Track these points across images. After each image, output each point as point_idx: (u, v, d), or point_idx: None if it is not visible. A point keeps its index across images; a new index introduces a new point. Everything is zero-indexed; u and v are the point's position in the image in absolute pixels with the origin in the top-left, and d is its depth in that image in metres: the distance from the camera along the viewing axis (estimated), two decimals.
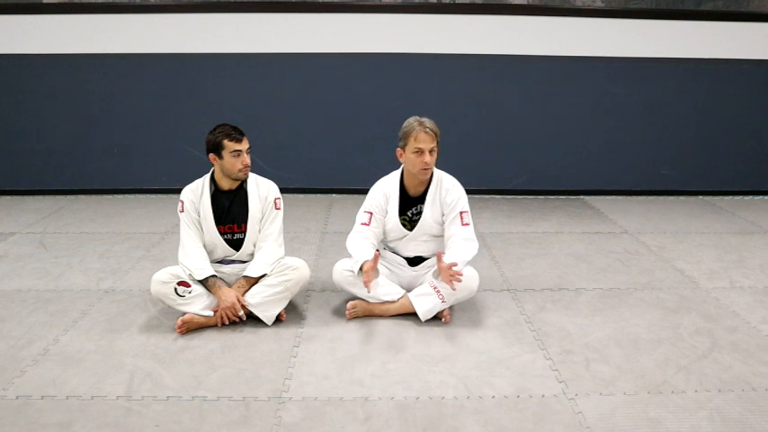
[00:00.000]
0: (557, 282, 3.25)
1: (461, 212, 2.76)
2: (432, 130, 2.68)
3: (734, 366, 2.40)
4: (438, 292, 2.70)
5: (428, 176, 2.77)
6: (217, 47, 4.68)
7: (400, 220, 2.83)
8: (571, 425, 2.04)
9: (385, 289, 2.78)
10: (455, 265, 2.55)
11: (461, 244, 2.71)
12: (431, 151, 2.68)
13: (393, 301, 2.78)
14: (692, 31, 4.78)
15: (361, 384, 2.26)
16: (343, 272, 2.80)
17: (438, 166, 2.89)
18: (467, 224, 2.76)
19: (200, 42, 4.67)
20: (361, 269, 2.65)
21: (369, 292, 2.66)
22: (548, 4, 4.72)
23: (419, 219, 2.82)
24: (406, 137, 2.71)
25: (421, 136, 2.66)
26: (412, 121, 2.72)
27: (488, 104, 4.86)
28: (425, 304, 2.72)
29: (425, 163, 2.68)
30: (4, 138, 4.81)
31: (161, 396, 2.18)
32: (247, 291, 2.68)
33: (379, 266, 2.82)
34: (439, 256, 2.62)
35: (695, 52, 4.80)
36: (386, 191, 2.84)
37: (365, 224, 2.80)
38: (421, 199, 2.83)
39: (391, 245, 2.93)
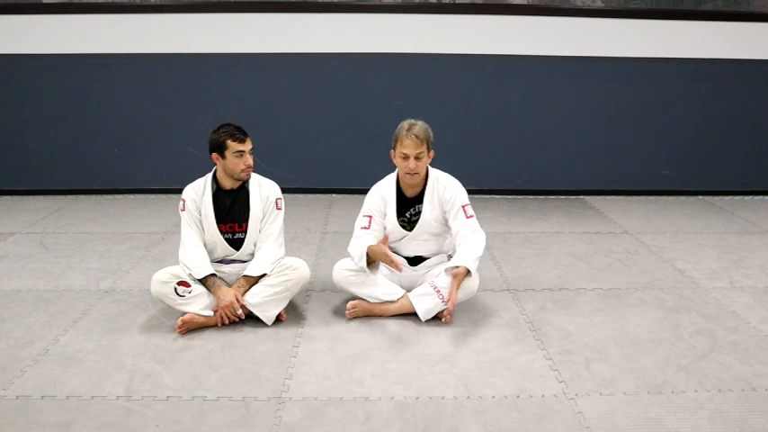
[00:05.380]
0: (557, 282, 3.25)
1: (463, 206, 2.78)
2: (418, 136, 2.67)
3: (734, 366, 2.40)
4: (438, 291, 2.70)
5: (416, 181, 2.77)
6: (217, 47, 4.68)
7: (399, 221, 2.84)
8: (571, 425, 2.04)
9: (385, 289, 2.78)
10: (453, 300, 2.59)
11: (469, 239, 2.72)
12: (417, 157, 2.68)
13: (393, 301, 2.78)
14: (692, 31, 4.77)
15: (361, 384, 2.26)
16: (343, 272, 2.81)
17: (438, 167, 2.90)
18: (471, 216, 2.78)
19: (200, 42, 4.67)
20: (368, 264, 2.69)
21: (400, 271, 2.66)
22: (548, 4, 4.72)
23: (418, 219, 2.83)
24: (395, 140, 2.74)
25: (406, 142, 2.67)
26: (404, 124, 2.73)
27: (488, 104, 4.86)
28: (425, 304, 2.72)
29: (410, 168, 2.69)
30: (4, 138, 4.81)
31: (161, 396, 2.18)
32: (247, 290, 2.68)
33: (380, 266, 2.83)
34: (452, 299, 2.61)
35: (695, 52, 4.80)
36: (383, 194, 2.85)
37: (365, 228, 2.80)
38: (418, 199, 2.84)
39: (391, 245, 2.93)
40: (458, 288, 2.62)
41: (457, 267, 2.64)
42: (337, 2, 4.65)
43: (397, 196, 2.84)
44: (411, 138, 2.66)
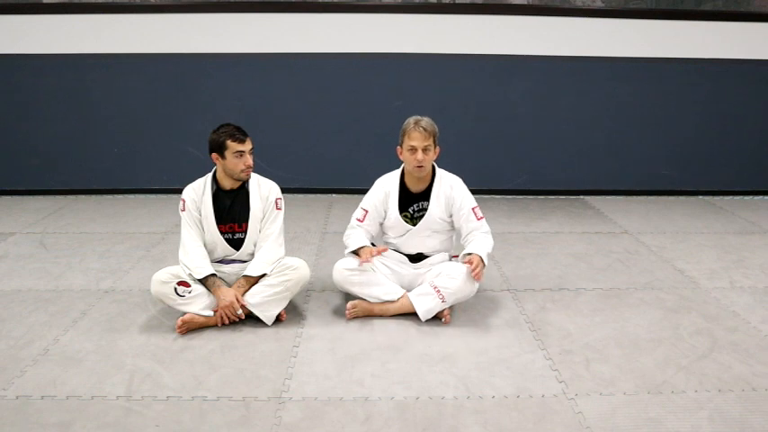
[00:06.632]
0: (557, 282, 3.25)
1: (473, 208, 2.85)
2: (426, 128, 2.73)
3: (734, 366, 2.40)
4: (438, 291, 2.70)
5: (423, 174, 2.82)
6: (217, 47, 4.67)
7: (402, 216, 2.87)
8: (571, 425, 2.04)
9: (385, 288, 2.79)
10: (474, 261, 2.68)
11: (482, 237, 2.80)
12: (424, 150, 2.73)
13: (393, 301, 2.78)
14: (692, 31, 4.77)
15: (361, 384, 2.26)
16: (344, 271, 2.81)
17: (439, 166, 2.92)
18: (481, 218, 2.86)
19: (200, 42, 4.67)
20: (356, 253, 2.79)
21: (360, 264, 2.77)
22: (548, 4, 4.72)
23: (422, 216, 2.86)
24: (402, 134, 2.79)
25: (414, 134, 2.73)
26: (410, 119, 2.79)
27: (488, 104, 4.86)
28: (425, 304, 2.72)
29: (417, 161, 2.74)
30: (4, 138, 4.81)
31: (161, 396, 2.18)
32: (247, 290, 2.68)
33: (381, 265, 2.85)
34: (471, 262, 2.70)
35: (695, 52, 4.80)
36: (386, 188, 2.89)
37: (359, 220, 2.91)
38: (423, 196, 2.87)
39: (394, 241, 2.95)
40: (477, 266, 2.67)
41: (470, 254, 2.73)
42: (337, 2, 4.65)
43: (400, 191, 2.88)
44: (419, 130, 2.72)
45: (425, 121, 2.76)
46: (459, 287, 2.71)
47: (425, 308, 2.72)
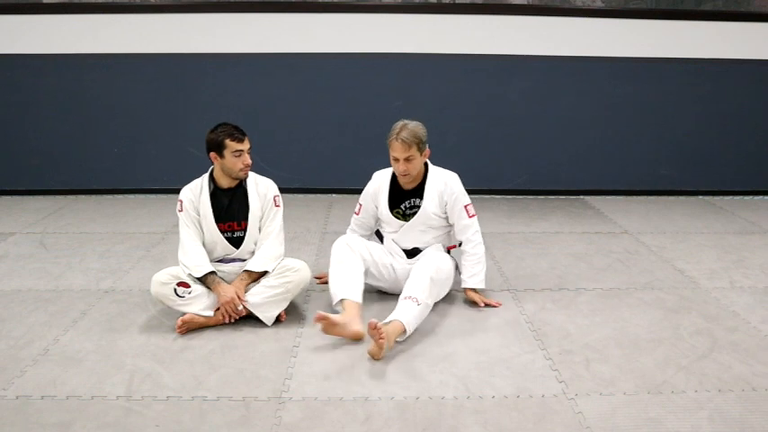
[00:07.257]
0: (557, 282, 3.25)
1: (465, 206, 2.89)
2: (405, 140, 2.69)
3: (734, 366, 2.40)
4: (409, 297, 2.57)
5: (407, 180, 2.86)
6: (216, 47, 4.68)
7: (393, 213, 2.91)
8: (571, 425, 2.04)
9: (343, 284, 2.69)
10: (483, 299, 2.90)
11: (472, 252, 2.89)
12: (406, 159, 2.74)
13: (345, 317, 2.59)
14: (692, 31, 4.77)
15: (361, 384, 2.26)
16: (345, 246, 2.82)
17: (438, 166, 2.95)
18: (473, 215, 2.92)
19: (200, 42, 4.67)
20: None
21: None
22: (548, 4, 4.72)
23: (414, 212, 2.89)
24: (387, 141, 2.78)
25: (395, 145, 2.74)
26: (396, 126, 2.76)
27: (488, 104, 4.86)
28: (407, 314, 2.54)
29: (399, 171, 2.79)
30: (4, 138, 4.81)
31: (161, 396, 2.18)
32: (248, 284, 2.69)
33: (383, 255, 2.92)
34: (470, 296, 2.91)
35: (695, 52, 4.80)
36: (377, 184, 2.98)
37: (356, 213, 3.07)
38: (415, 193, 2.89)
39: (390, 236, 2.99)
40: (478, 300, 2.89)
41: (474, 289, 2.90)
42: (337, 2, 4.65)
43: (391, 187, 2.92)
44: (399, 141, 2.72)
45: (407, 131, 2.70)
46: (427, 283, 2.60)
47: (408, 317, 2.52)
